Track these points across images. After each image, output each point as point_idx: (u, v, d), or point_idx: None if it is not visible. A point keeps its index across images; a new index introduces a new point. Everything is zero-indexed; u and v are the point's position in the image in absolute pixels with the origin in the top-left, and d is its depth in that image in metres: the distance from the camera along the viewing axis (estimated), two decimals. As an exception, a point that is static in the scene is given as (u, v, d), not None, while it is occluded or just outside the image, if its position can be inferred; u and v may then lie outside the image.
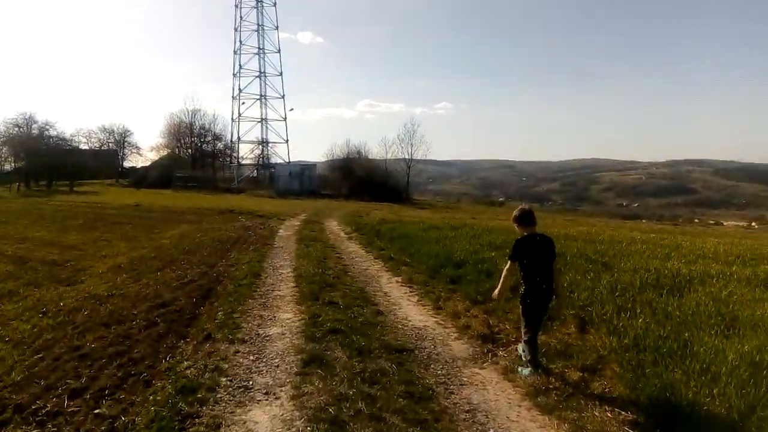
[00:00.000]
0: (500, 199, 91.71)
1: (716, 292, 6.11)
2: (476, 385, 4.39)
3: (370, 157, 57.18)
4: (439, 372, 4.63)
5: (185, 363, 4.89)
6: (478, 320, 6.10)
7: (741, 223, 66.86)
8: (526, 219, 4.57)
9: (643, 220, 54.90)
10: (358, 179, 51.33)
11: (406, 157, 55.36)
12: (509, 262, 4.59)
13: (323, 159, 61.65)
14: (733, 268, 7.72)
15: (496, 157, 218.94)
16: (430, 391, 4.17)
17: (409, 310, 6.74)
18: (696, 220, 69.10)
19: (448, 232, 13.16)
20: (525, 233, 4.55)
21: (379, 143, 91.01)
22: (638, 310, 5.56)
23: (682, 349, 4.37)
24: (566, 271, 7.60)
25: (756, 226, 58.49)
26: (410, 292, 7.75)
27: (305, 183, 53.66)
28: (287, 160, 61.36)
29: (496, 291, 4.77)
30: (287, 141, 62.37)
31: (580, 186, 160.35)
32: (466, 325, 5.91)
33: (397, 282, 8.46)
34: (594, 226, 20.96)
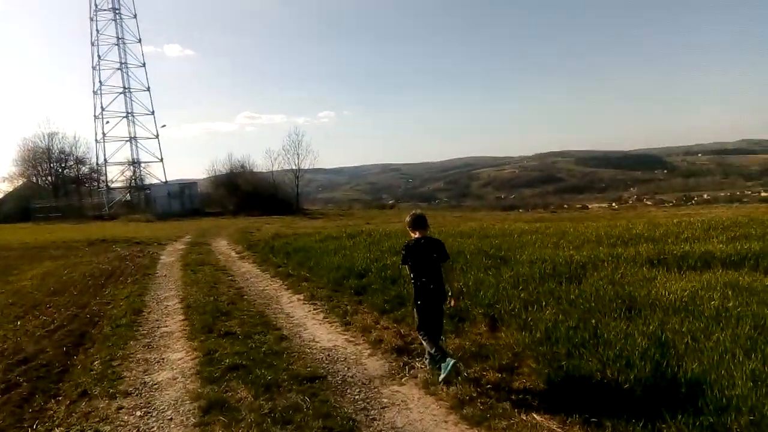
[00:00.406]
0: (390, 202, 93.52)
1: (610, 275, 6.40)
2: (398, 405, 4.08)
3: (255, 170, 55.29)
4: (357, 397, 4.26)
5: (57, 430, 4.06)
6: (390, 332, 5.83)
7: (603, 205, 74.49)
8: (416, 223, 4.77)
9: (520, 210, 59.10)
10: (244, 194, 49.36)
11: (294, 167, 54.18)
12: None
13: (205, 176, 58.50)
14: (618, 250, 8.24)
15: (383, 161, 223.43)
16: (351, 422, 3.79)
17: (316, 330, 6.30)
18: (565, 206, 75.55)
19: (346, 242, 12.89)
20: (417, 237, 4.71)
21: (263, 155, 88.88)
22: (543, 302, 5.64)
23: (594, 338, 4.43)
24: (468, 270, 7.61)
25: (617, 207, 65.70)
26: (314, 309, 7.30)
27: (186, 203, 50.58)
28: (164, 180, 57.47)
29: None
30: (162, 159, 58.36)
31: (462, 183, 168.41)
32: (378, 339, 5.62)
33: (299, 300, 7.96)
34: (482, 221, 21.87)
